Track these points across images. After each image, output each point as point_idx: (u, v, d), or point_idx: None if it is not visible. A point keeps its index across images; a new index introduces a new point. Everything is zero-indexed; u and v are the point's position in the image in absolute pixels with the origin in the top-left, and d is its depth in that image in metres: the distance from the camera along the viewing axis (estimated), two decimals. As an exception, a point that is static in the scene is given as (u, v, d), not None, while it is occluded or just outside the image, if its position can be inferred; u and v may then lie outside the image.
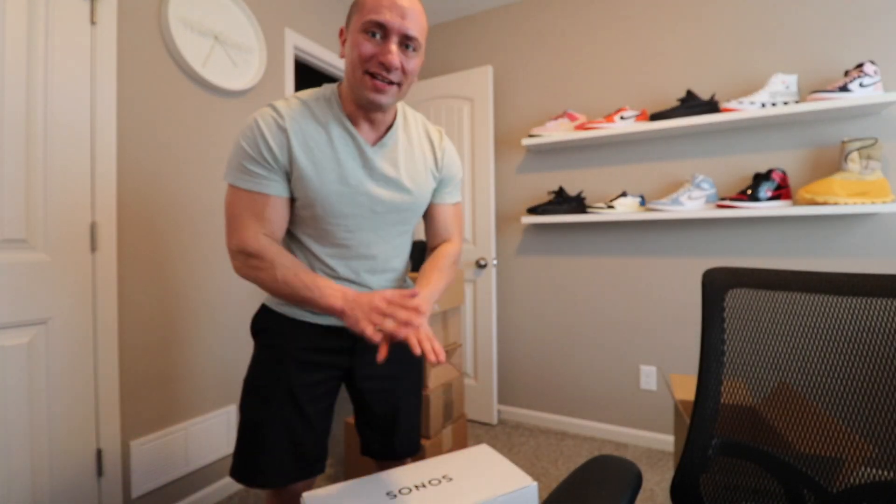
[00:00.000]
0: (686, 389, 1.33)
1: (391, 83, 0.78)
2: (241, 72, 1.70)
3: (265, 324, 0.92)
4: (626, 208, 1.96)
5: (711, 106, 1.79)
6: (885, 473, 0.56)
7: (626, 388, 2.08)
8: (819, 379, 0.62)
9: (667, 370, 1.99)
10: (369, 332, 0.69)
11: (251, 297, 1.78)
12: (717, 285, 0.72)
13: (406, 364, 1.01)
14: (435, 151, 0.95)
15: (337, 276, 0.88)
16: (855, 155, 1.56)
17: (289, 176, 0.81)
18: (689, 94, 1.84)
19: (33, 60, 1.16)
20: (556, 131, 2.09)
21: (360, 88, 0.78)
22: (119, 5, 1.34)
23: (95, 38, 1.28)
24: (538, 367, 2.29)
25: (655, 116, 1.87)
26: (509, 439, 2.12)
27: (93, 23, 1.28)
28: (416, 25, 0.77)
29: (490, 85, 2.26)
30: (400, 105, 0.93)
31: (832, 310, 0.62)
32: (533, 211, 2.13)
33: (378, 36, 0.75)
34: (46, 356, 1.19)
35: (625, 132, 1.92)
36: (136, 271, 1.40)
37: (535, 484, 0.82)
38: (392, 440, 0.99)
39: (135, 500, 1.38)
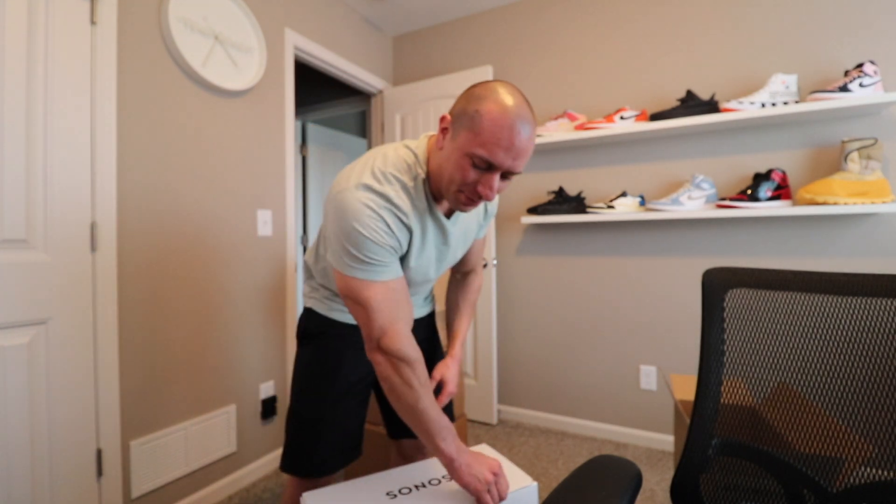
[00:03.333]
0: (686, 389, 1.33)
1: (478, 203, 0.78)
2: (242, 72, 1.70)
3: (322, 328, 0.98)
4: (626, 208, 1.96)
5: (711, 106, 1.79)
6: (885, 473, 0.56)
7: (626, 388, 2.08)
8: (819, 379, 0.62)
9: (667, 370, 1.99)
10: (485, 499, 0.75)
11: (251, 297, 1.78)
12: (716, 285, 0.72)
13: (427, 341, 1.11)
14: (487, 206, 1.01)
15: None
16: (855, 155, 1.56)
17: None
18: (689, 94, 1.84)
19: (33, 60, 1.16)
20: (556, 131, 2.09)
21: (450, 198, 0.77)
22: (119, 5, 1.34)
23: (95, 38, 1.28)
24: (538, 367, 2.29)
25: (655, 116, 1.87)
26: (509, 439, 2.12)
27: (93, 23, 1.28)
28: (525, 161, 0.73)
29: (490, 85, 2.26)
30: None
31: (832, 310, 0.62)
32: (533, 211, 2.13)
33: (484, 167, 0.72)
34: (46, 356, 1.19)
35: (625, 132, 1.92)
36: (136, 271, 1.40)
37: (535, 484, 0.82)
38: None
39: (135, 500, 1.38)
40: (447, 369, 1.00)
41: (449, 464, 0.76)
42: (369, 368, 0.98)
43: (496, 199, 0.96)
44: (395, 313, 0.78)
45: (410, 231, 0.80)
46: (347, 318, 0.97)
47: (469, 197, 0.75)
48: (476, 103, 0.70)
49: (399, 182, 0.79)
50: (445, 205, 0.86)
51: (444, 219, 0.85)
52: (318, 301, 0.99)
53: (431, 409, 0.77)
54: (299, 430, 0.95)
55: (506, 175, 0.74)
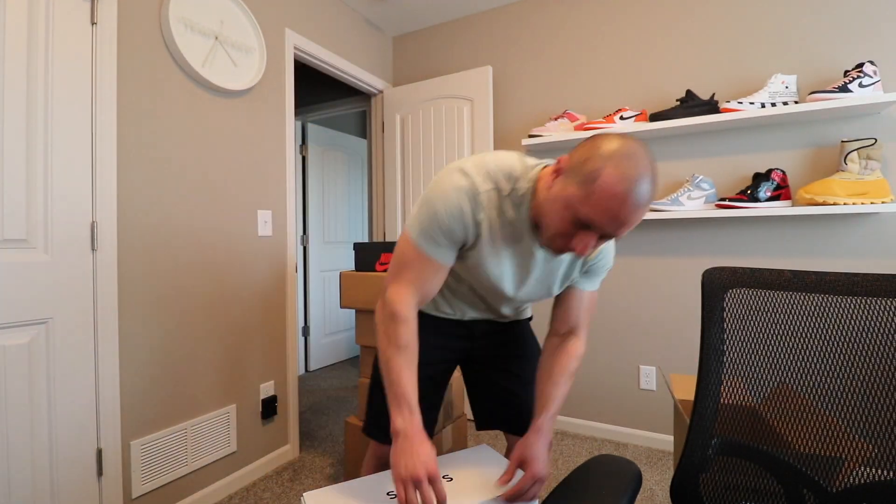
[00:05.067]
0: (686, 389, 1.33)
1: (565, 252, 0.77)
2: (242, 72, 1.70)
3: None
4: (625, 208, 1.95)
5: (711, 106, 1.79)
6: (885, 473, 0.56)
7: (626, 387, 2.09)
8: (819, 379, 0.62)
9: (667, 370, 1.99)
10: (399, 493, 0.71)
11: (251, 297, 1.78)
12: (716, 285, 0.72)
13: (516, 344, 1.09)
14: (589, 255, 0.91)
15: (457, 304, 1.00)
16: (854, 155, 1.56)
17: (461, 249, 0.86)
18: (689, 94, 1.84)
19: (33, 60, 1.16)
20: (556, 131, 2.09)
21: (544, 239, 0.77)
22: (119, 5, 1.34)
23: (95, 38, 1.28)
24: (538, 367, 2.28)
25: (655, 116, 1.87)
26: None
27: (93, 23, 1.28)
28: (630, 229, 0.69)
29: (490, 85, 2.26)
30: None
31: (832, 310, 0.62)
32: (533, 211, 2.12)
33: (582, 226, 0.70)
34: (47, 356, 1.19)
35: (625, 132, 1.92)
36: (136, 271, 1.40)
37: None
38: (516, 408, 1.05)
39: (135, 500, 1.38)
40: (528, 447, 0.83)
41: (399, 431, 0.77)
42: (447, 355, 1.03)
43: (607, 248, 0.91)
44: (416, 282, 0.83)
45: (479, 228, 0.81)
46: (430, 309, 1.03)
47: (561, 248, 0.74)
48: (597, 162, 0.66)
49: (494, 183, 0.80)
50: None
51: (537, 249, 0.85)
52: None
53: (403, 373, 0.80)
54: (380, 399, 0.97)
55: (602, 239, 0.72)
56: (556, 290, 0.94)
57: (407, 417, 0.77)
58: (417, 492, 0.70)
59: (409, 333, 0.82)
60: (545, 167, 0.81)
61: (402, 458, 0.73)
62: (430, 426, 1.04)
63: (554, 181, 0.74)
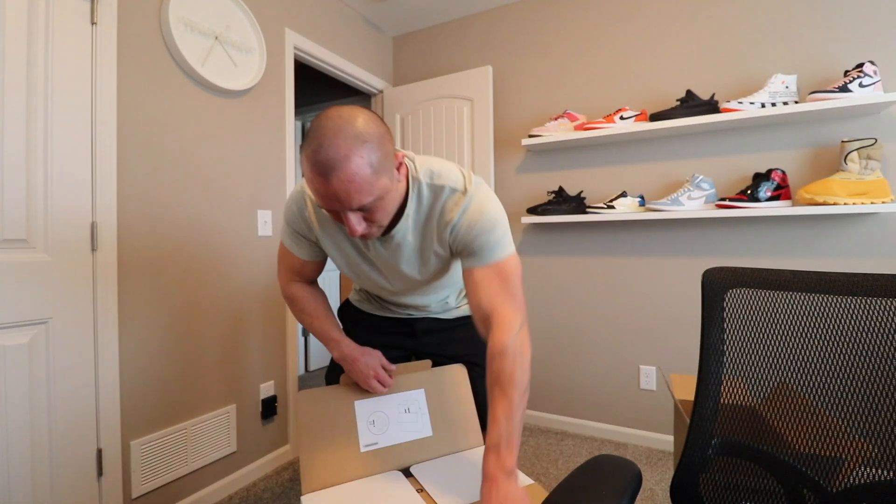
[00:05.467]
0: (686, 389, 1.32)
1: (365, 234, 0.74)
2: (242, 72, 1.70)
3: (354, 314, 1.15)
4: (625, 208, 1.96)
5: (711, 106, 1.79)
6: (885, 473, 0.56)
7: (626, 388, 2.09)
8: (819, 379, 0.62)
9: (667, 370, 1.99)
10: (371, 387, 0.93)
11: (251, 297, 1.78)
12: (716, 285, 0.72)
13: (464, 345, 1.08)
14: (440, 233, 0.83)
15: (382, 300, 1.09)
16: (854, 155, 1.56)
17: (318, 245, 0.94)
18: (689, 94, 1.84)
19: (33, 60, 1.16)
20: (556, 131, 2.09)
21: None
22: (119, 5, 1.34)
23: (95, 38, 1.28)
24: (538, 367, 2.28)
25: (655, 116, 1.87)
26: (509, 439, 2.12)
27: (93, 23, 1.28)
28: (360, 196, 0.66)
29: (490, 85, 2.26)
30: (415, 188, 0.81)
31: (832, 310, 0.62)
32: (533, 211, 2.13)
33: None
34: (47, 356, 1.19)
35: (625, 132, 1.92)
36: (137, 271, 1.40)
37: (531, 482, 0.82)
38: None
39: (135, 500, 1.38)
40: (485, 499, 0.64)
41: (341, 360, 0.95)
42: (392, 353, 1.06)
43: (467, 223, 0.80)
44: (291, 270, 0.98)
45: (308, 223, 0.90)
46: (371, 308, 1.11)
47: (351, 232, 0.71)
48: (304, 146, 0.66)
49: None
50: None
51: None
52: (354, 293, 1.17)
53: (318, 323, 0.98)
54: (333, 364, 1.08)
55: (359, 211, 0.69)
56: (424, 270, 0.89)
57: (339, 346, 0.95)
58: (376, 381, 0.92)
59: (304, 301, 0.99)
60: None
61: (355, 373, 0.93)
62: None
63: None
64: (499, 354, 0.74)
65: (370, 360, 0.94)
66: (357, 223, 0.70)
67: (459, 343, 1.06)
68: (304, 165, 0.66)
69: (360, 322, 1.13)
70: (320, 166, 0.64)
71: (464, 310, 1.11)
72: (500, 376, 0.73)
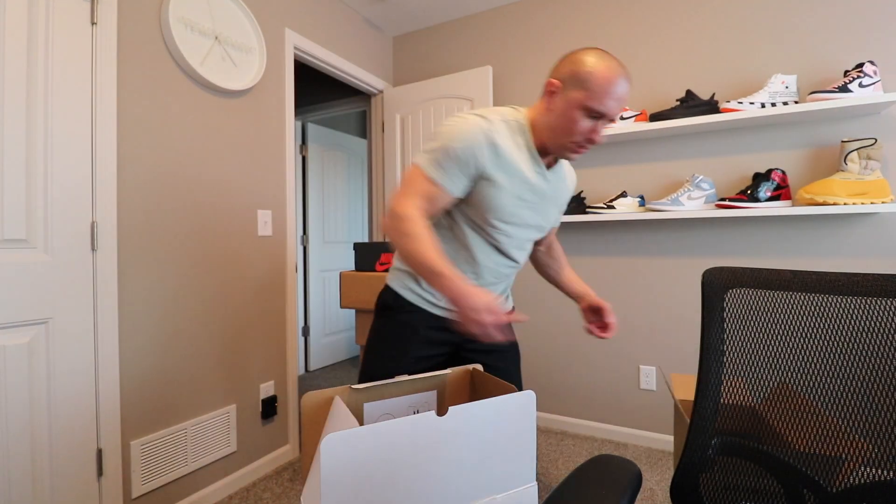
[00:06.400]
0: (686, 389, 1.33)
1: (587, 149, 0.93)
2: (242, 72, 1.70)
3: (398, 303, 1.04)
4: (625, 208, 1.96)
5: (711, 106, 1.79)
6: (885, 473, 0.56)
7: (626, 388, 2.09)
8: (819, 379, 0.62)
9: (667, 370, 1.99)
10: (479, 326, 0.77)
11: (251, 297, 1.78)
12: (716, 285, 0.72)
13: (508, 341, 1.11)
14: (567, 182, 1.10)
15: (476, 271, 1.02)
16: (854, 155, 1.56)
17: (474, 180, 0.90)
18: (689, 94, 1.84)
19: (33, 60, 1.16)
20: (556, 131, 2.08)
21: (562, 149, 0.92)
22: (119, 5, 1.34)
23: (95, 38, 1.28)
24: (538, 367, 2.29)
25: (655, 116, 1.87)
26: (509, 439, 2.12)
27: (93, 23, 1.28)
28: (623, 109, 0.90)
29: (490, 85, 2.26)
30: None
31: (832, 310, 0.62)
32: (533, 211, 2.12)
33: (595, 117, 0.86)
34: (47, 356, 1.19)
35: (625, 132, 1.92)
36: (136, 271, 1.40)
37: (534, 484, 0.82)
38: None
39: (135, 500, 1.38)
40: (592, 298, 1.11)
41: (457, 296, 0.78)
42: (437, 350, 1.03)
43: (576, 179, 1.16)
44: (422, 197, 0.87)
45: (496, 150, 0.89)
46: (418, 298, 1.02)
47: (580, 144, 0.90)
48: (586, 66, 0.85)
49: (502, 117, 0.92)
50: (548, 160, 0.99)
51: (543, 166, 0.97)
52: (395, 278, 1.06)
53: (426, 253, 0.82)
54: (374, 360, 1.03)
55: (609, 123, 0.90)
56: (557, 215, 1.09)
57: (453, 278, 0.80)
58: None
59: (419, 226, 0.85)
60: (524, 109, 0.98)
61: (470, 300, 0.76)
62: None
63: (551, 102, 0.90)
64: (563, 253, 1.24)
65: (488, 297, 0.79)
66: (603, 130, 0.90)
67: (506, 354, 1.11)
68: (595, 70, 0.84)
69: (399, 310, 1.03)
70: (624, 75, 0.85)
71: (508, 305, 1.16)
72: (566, 261, 1.24)
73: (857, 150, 1.56)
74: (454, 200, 0.92)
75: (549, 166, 1.00)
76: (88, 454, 1.27)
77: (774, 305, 0.66)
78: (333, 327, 3.50)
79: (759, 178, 1.71)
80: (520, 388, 1.09)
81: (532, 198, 0.97)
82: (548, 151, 0.96)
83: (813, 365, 0.62)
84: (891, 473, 0.56)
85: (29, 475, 1.15)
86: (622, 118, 1.95)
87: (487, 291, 0.83)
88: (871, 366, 0.58)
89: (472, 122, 0.88)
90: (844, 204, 1.56)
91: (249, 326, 1.77)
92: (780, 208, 1.66)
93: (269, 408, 1.83)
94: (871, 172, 1.56)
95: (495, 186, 0.90)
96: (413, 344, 1.02)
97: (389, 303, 1.05)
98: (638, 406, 2.06)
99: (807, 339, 0.63)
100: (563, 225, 2.20)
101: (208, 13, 1.57)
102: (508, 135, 0.92)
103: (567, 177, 1.09)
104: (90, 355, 1.28)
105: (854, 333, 0.60)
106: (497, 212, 0.93)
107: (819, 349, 0.62)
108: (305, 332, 3.30)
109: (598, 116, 0.86)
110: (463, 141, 0.87)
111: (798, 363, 0.63)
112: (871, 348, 0.58)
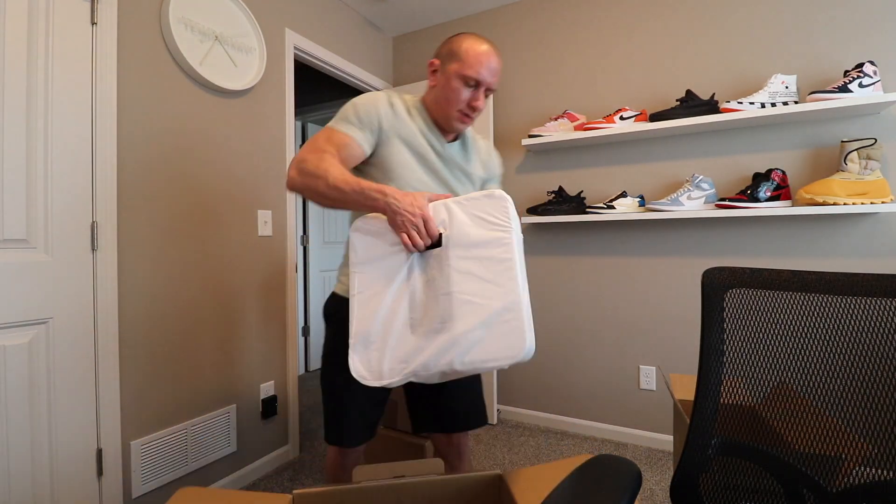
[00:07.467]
0: (686, 389, 1.32)
1: (472, 118, 1.01)
2: (242, 72, 1.70)
3: (344, 308, 1.00)
4: (625, 208, 1.96)
5: (711, 106, 1.79)
6: (885, 473, 0.56)
7: (625, 387, 2.09)
8: (819, 379, 0.62)
9: (667, 370, 2.00)
10: (404, 240, 0.82)
11: (251, 297, 1.78)
12: (716, 285, 0.72)
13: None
14: (481, 156, 1.14)
15: None
16: (854, 155, 1.56)
17: (377, 137, 0.97)
18: (689, 94, 1.84)
19: (34, 60, 1.16)
20: (556, 131, 2.09)
21: (450, 119, 1.00)
22: (119, 5, 1.34)
23: (95, 38, 1.28)
24: (538, 367, 2.29)
25: (655, 116, 1.87)
26: (509, 439, 2.12)
27: (93, 23, 1.28)
28: (496, 80, 0.99)
29: (490, 85, 2.26)
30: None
31: (832, 310, 0.62)
32: (533, 211, 2.13)
33: (472, 85, 0.97)
34: (47, 356, 1.19)
35: (625, 132, 1.92)
36: (136, 271, 1.40)
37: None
38: (452, 408, 1.10)
39: (135, 500, 1.38)
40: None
41: (384, 205, 0.83)
42: None
43: (499, 160, 1.19)
44: (326, 149, 0.90)
45: (394, 109, 0.98)
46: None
47: (465, 113, 0.99)
48: (459, 43, 0.98)
49: (401, 98, 1.03)
50: (448, 137, 1.06)
51: (440, 137, 1.04)
52: (339, 286, 1.05)
53: (344, 175, 0.86)
54: (329, 400, 1.04)
55: (486, 92, 0.99)
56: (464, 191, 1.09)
57: (381, 189, 0.83)
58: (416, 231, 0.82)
59: (333, 161, 0.88)
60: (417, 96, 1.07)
61: (400, 202, 0.82)
62: (374, 424, 1.06)
63: (434, 78, 1.02)
64: None
65: (417, 198, 0.84)
66: (483, 100, 0.99)
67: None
68: (467, 45, 0.96)
69: (343, 316, 0.97)
70: (492, 48, 0.97)
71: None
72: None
73: (856, 150, 1.56)
74: (361, 156, 0.96)
75: (450, 141, 1.07)
76: (88, 454, 1.27)
77: (774, 305, 0.66)
78: (333, 327, 3.50)
79: (759, 178, 1.71)
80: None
81: (436, 165, 1.02)
82: (443, 128, 1.03)
83: (812, 365, 0.62)
84: (891, 473, 0.56)
85: (29, 475, 1.15)
86: (622, 118, 1.95)
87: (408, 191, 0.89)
88: (870, 366, 0.58)
89: (376, 92, 1.00)
90: (844, 204, 1.56)
91: (250, 326, 1.77)
92: (779, 208, 1.66)
93: (270, 408, 1.83)
94: (871, 172, 1.56)
95: (395, 147, 0.97)
96: None
97: (333, 310, 1.04)
98: (638, 406, 2.06)
99: (806, 340, 0.63)
100: (564, 225, 2.21)
101: (208, 13, 1.57)
102: (404, 108, 1.02)
103: (481, 150, 1.14)
104: (90, 355, 1.28)
105: (854, 333, 0.60)
106: (400, 179, 0.97)
107: (819, 349, 0.62)
108: (305, 332, 3.30)
109: (475, 85, 0.96)
110: (366, 100, 0.97)
111: (798, 363, 0.63)
112: (871, 348, 0.58)
